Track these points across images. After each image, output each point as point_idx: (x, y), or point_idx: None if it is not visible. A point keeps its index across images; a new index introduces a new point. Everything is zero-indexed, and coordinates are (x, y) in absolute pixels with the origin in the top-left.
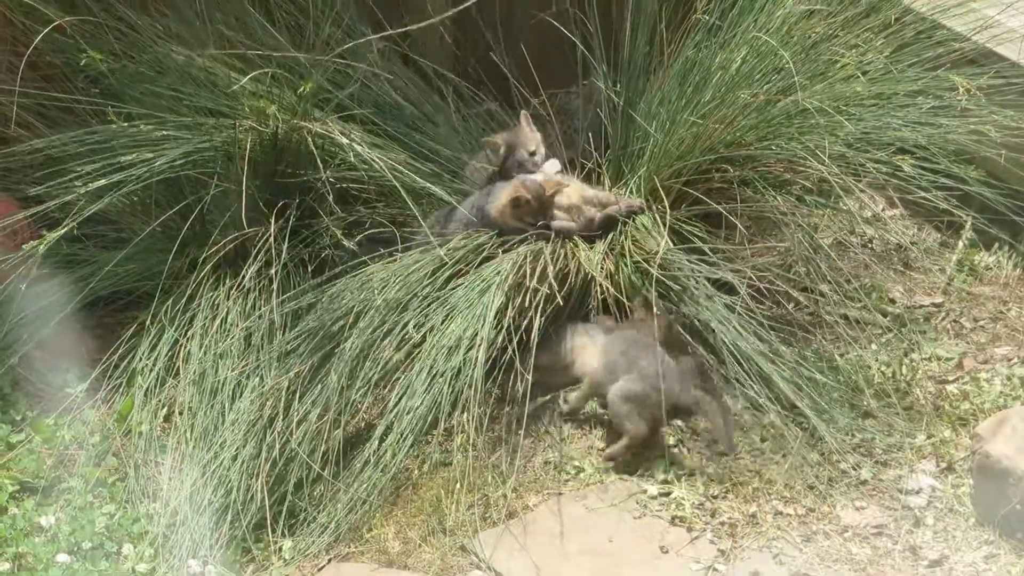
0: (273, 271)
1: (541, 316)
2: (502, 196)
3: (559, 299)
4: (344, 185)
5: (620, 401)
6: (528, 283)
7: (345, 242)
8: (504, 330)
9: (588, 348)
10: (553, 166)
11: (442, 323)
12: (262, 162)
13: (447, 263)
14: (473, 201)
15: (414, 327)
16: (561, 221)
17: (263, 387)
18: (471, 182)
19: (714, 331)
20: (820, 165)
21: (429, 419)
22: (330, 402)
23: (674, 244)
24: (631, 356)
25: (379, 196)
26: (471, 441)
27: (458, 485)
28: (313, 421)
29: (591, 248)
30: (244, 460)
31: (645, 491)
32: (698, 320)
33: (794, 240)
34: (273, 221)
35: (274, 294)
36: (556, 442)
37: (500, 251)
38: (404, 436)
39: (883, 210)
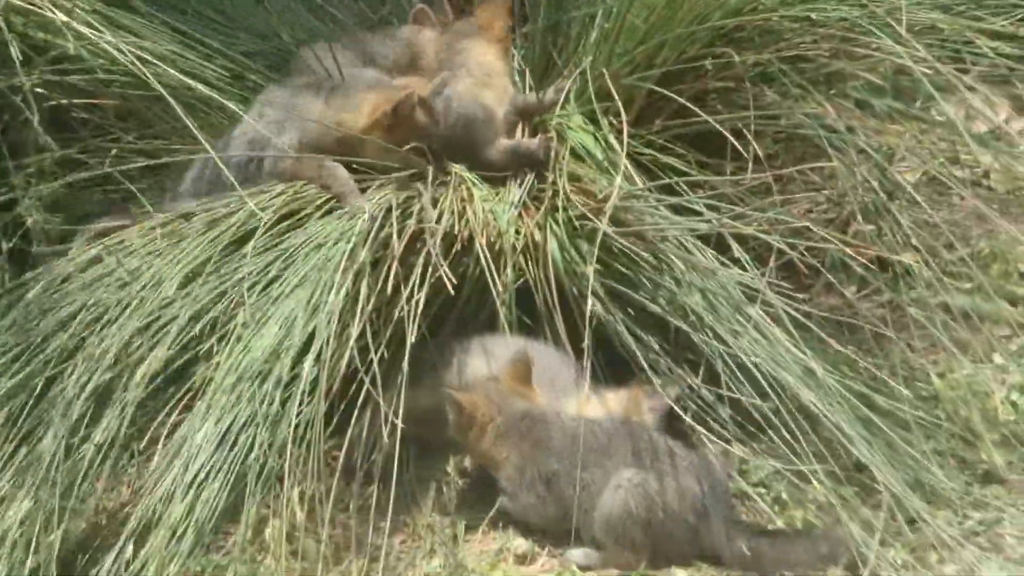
0: None
1: (416, 318)
2: (362, 109)
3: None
4: (65, 101)
5: (619, 516)
6: (395, 252)
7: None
8: (353, 340)
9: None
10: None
11: (245, 330)
12: None
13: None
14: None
15: (193, 340)
16: None
17: None
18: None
19: (709, 333)
20: (895, 43)
21: (223, 504)
22: (43, 480)
23: (641, 183)
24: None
25: (130, 119)
26: (297, 542)
27: None
28: (15, 515)
29: (498, 195)
30: None
31: None
32: (685, 315)
33: (853, 175)
34: None
35: None
36: (445, 541)
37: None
38: (178, 535)
39: (1007, 121)
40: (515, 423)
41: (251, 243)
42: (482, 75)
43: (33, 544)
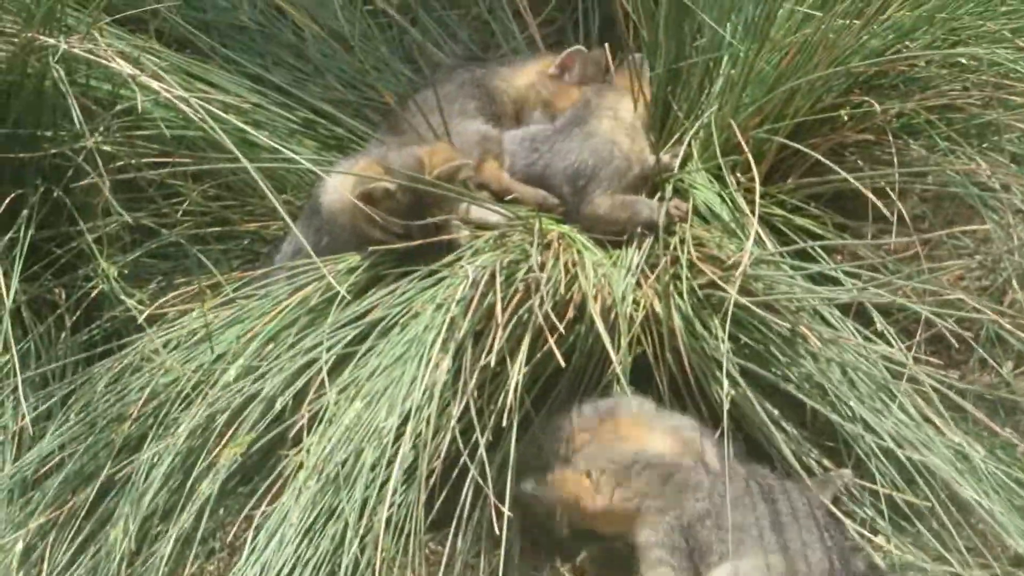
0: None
1: (520, 392)
2: (342, 184)
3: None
4: (133, 161)
5: None
6: (500, 322)
7: (116, 288)
8: (455, 421)
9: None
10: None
11: (336, 409)
12: None
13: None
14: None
15: (276, 421)
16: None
17: None
18: None
19: (849, 414)
20: None
21: None
22: None
23: (772, 248)
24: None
25: (206, 179)
26: None
27: None
28: None
29: (612, 258)
30: None
31: None
32: (823, 394)
33: (1009, 238)
34: None
35: None
36: None
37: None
38: None
39: None
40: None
41: (335, 311)
42: (627, 125)
43: None
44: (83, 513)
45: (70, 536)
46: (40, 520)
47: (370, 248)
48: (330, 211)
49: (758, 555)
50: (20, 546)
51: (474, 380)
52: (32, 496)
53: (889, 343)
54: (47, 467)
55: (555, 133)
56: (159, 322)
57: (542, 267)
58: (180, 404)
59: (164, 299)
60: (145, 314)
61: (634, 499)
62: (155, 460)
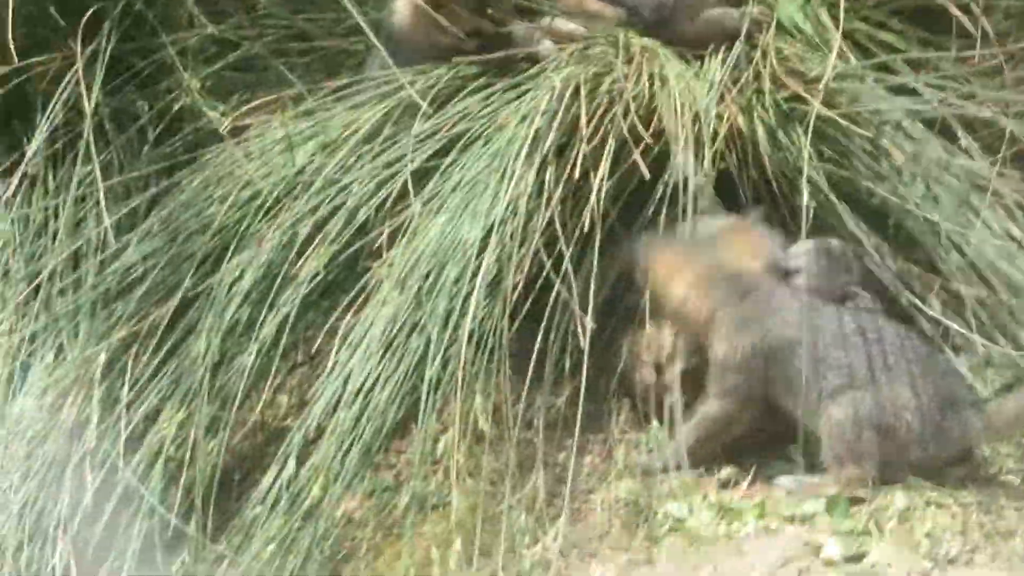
0: (82, 138)
1: (603, 201)
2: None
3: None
4: None
5: (850, 426)
6: (583, 135)
7: (198, 100)
8: (538, 233)
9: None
10: None
11: (422, 220)
12: None
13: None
14: None
15: (358, 234)
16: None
17: (62, 364)
18: None
19: (937, 229)
20: None
21: (393, 418)
22: (198, 389)
23: (856, 60)
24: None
25: None
26: (474, 461)
27: (456, 540)
28: (164, 428)
29: (695, 71)
30: (34, 501)
31: (818, 548)
32: (906, 209)
33: None
34: (79, 43)
35: (73, 182)
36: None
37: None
38: (345, 449)
39: None
40: (730, 280)
41: (419, 122)
42: None
43: (187, 456)
44: (165, 325)
45: (152, 348)
46: (122, 332)
47: (454, 59)
48: (401, 30)
49: (848, 393)
50: (103, 357)
51: (558, 193)
52: (115, 308)
53: (972, 158)
54: (130, 279)
55: None
56: (241, 135)
57: (626, 79)
58: (262, 217)
59: (246, 108)
60: (226, 125)
61: (708, 304)
62: (237, 273)
